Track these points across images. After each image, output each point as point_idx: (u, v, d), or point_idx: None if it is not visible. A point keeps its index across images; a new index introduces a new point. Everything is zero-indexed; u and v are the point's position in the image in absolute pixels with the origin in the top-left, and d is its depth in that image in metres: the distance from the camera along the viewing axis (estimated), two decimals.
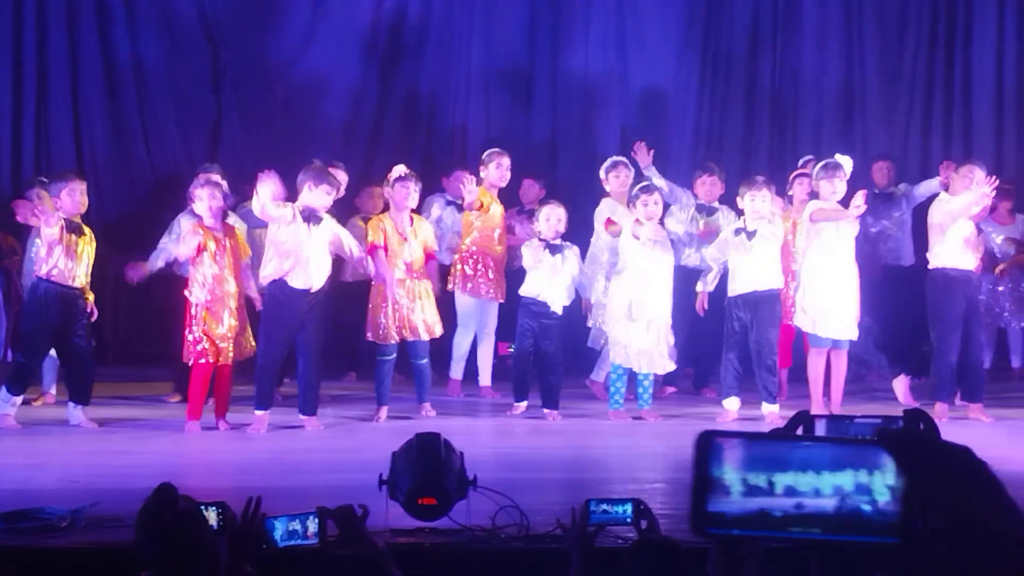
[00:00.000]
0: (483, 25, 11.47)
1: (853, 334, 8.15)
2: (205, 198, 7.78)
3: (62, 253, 7.71)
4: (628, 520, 3.97)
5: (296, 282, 7.62)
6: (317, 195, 7.65)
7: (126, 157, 10.98)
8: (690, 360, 9.18)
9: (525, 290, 8.30)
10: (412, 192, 8.12)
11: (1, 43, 10.84)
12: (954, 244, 8.10)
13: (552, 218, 8.23)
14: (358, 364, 9.75)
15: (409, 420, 7.94)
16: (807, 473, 1.87)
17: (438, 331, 8.26)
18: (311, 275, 7.64)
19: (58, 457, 6.85)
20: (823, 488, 1.87)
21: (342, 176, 8.76)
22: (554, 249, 8.21)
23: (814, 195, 8.30)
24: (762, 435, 1.94)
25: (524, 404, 8.32)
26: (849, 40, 11.54)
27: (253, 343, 7.83)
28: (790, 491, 1.87)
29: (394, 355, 8.12)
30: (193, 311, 7.73)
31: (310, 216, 7.62)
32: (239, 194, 8.88)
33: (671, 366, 8.30)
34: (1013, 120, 11.46)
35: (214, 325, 7.69)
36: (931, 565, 1.68)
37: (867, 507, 1.85)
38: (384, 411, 8.07)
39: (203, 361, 7.68)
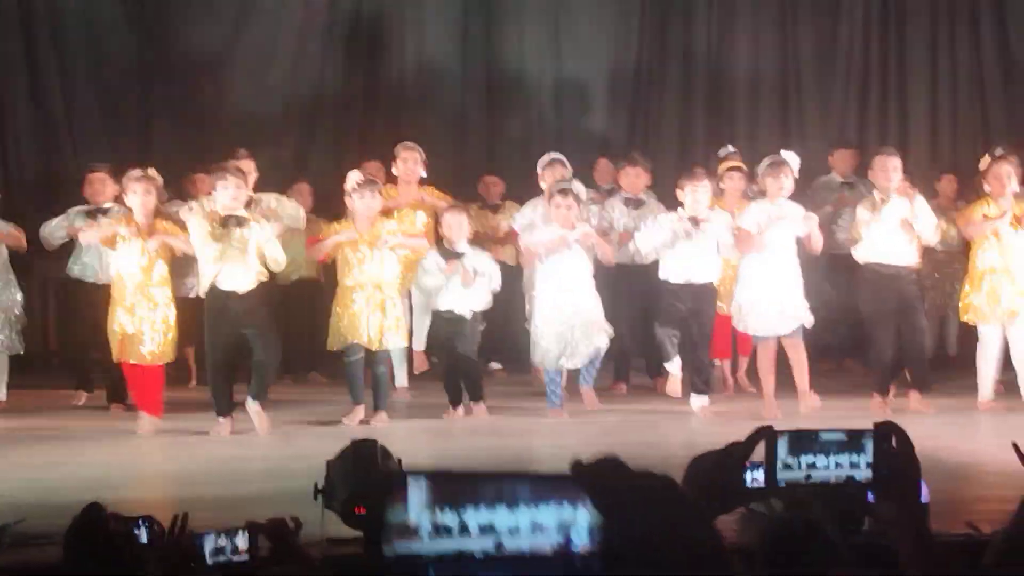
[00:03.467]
0: (415, 19, 11.35)
1: (788, 327, 8.10)
2: (140, 193, 7.69)
3: None
4: None
5: (224, 284, 7.64)
6: (220, 194, 7.66)
7: (51, 161, 10.75)
8: (641, 351, 9.11)
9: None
10: (371, 201, 8.02)
11: None
12: (883, 238, 8.11)
13: (454, 225, 8.18)
14: (291, 369, 9.60)
15: (345, 425, 7.80)
16: (502, 508, 1.71)
17: (393, 344, 8.15)
18: (237, 277, 7.64)
19: None
20: (522, 525, 1.73)
21: (246, 165, 8.58)
22: (453, 256, 8.15)
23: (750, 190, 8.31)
24: (449, 472, 1.78)
25: (460, 410, 8.22)
26: (783, 27, 11.54)
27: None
28: (486, 529, 1.72)
29: (360, 355, 7.98)
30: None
31: (227, 220, 7.63)
32: (174, 192, 8.89)
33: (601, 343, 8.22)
34: (948, 107, 11.52)
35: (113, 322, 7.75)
36: None
37: (569, 546, 1.72)
38: (359, 410, 7.95)
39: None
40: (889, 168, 8.13)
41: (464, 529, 1.73)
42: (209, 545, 3.59)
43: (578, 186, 8.38)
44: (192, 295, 8.51)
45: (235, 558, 3.60)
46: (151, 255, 7.75)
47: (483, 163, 10.94)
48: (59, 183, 10.21)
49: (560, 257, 8.11)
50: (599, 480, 1.54)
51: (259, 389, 7.77)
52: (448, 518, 1.73)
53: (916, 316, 8.28)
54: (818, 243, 8.20)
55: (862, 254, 8.25)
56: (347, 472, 4.37)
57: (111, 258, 7.95)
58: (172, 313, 7.87)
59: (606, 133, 11.47)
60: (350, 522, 4.38)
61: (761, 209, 8.15)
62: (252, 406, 7.72)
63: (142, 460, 7.17)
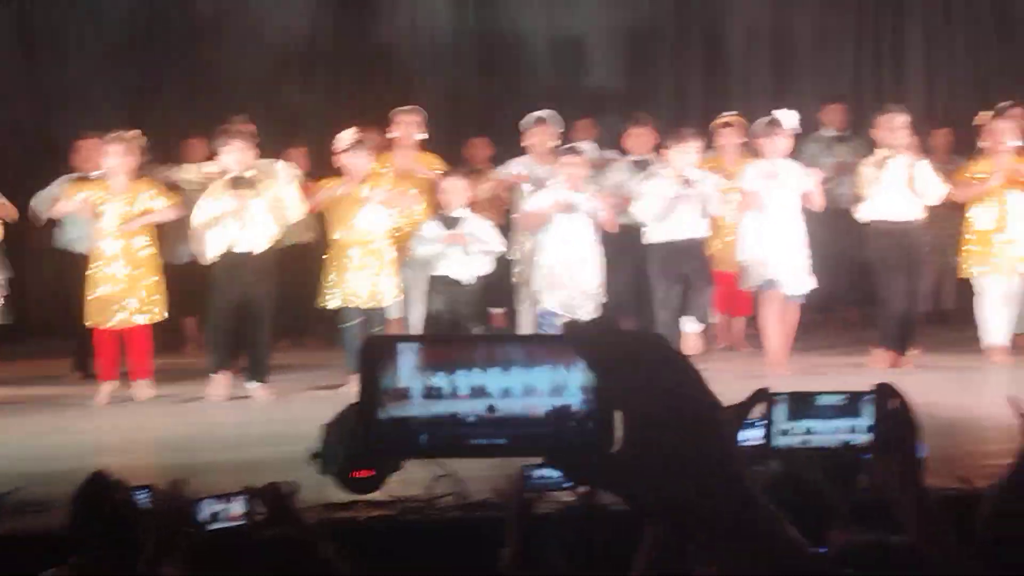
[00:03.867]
0: None
1: (793, 288, 8.08)
2: (118, 155, 7.64)
3: None
4: (567, 485, 3.85)
5: (239, 247, 7.64)
6: (226, 158, 7.62)
7: (46, 128, 10.67)
8: (634, 312, 9.08)
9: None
10: (363, 160, 7.94)
11: None
12: (888, 195, 8.07)
13: (451, 190, 8.07)
14: (288, 332, 9.57)
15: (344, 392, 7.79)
16: (495, 370, 1.69)
17: (388, 300, 8.11)
18: (251, 238, 7.63)
19: None
20: (513, 388, 1.70)
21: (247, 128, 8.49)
22: (451, 222, 8.05)
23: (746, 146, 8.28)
24: (442, 336, 1.77)
25: None
26: None
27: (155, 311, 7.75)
28: (478, 392, 1.69)
29: (357, 320, 7.92)
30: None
31: (236, 181, 7.60)
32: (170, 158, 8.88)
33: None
34: (943, 60, 11.47)
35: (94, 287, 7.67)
36: (625, 476, 1.48)
37: (562, 407, 1.68)
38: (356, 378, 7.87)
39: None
40: (896, 126, 8.03)
41: (455, 391, 1.71)
42: (205, 510, 3.59)
43: (586, 146, 8.33)
44: (185, 260, 8.46)
45: (231, 523, 3.60)
46: (131, 216, 7.65)
47: (476, 125, 10.86)
48: (54, 150, 10.14)
49: (562, 220, 8.05)
50: (591, 338, 1.50)
51: (258, 370, 7.79)
52: (440, 380, 1.70)
53: (916, 283, 8.27)
54: (819, 201, 8.16)
55: (866, 213, 8.19)
56: (343, 436, 4.37)
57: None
58: (158, 278, 7.77)
59: (601, 93, 11.40)
60: (346, 486, 4.39)
61: (758, 168, 8.11)
62: (254, 387, 7.72)
63: (138, 427, 7.16)
